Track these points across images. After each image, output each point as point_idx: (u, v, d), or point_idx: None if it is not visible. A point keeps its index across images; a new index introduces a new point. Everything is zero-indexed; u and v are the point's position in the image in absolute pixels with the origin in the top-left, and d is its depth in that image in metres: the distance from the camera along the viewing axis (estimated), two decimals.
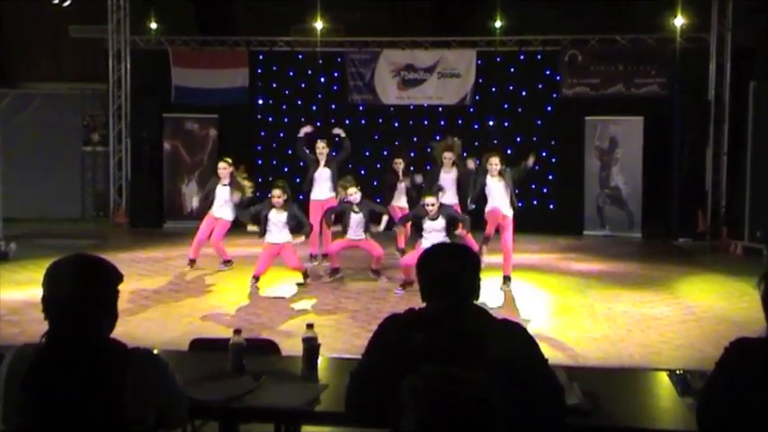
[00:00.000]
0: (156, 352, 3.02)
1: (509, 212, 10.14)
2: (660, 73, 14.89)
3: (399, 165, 12.05)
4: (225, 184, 10.76)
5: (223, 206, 10.77)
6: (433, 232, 9.39)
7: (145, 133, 15.79)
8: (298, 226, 9.98)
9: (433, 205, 9.46)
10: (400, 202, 11.82)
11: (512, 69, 15.39)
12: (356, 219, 10.22)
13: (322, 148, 11.29)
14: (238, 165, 11.04)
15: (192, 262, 10.90)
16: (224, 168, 10.74)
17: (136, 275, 10.39)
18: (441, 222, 9.46)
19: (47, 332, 2.62)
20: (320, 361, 3.67)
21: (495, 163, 10.11)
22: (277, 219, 9.83)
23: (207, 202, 10.92)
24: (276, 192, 9.85)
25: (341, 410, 2.96)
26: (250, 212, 10.22)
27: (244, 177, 10.94)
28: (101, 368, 2.53)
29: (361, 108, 15.83)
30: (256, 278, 9.89)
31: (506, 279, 10.14)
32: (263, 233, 9.91)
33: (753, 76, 13.96)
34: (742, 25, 14.33)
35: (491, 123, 15.53)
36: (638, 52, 15.01)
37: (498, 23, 15.00)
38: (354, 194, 10.23)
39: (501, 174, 10.14)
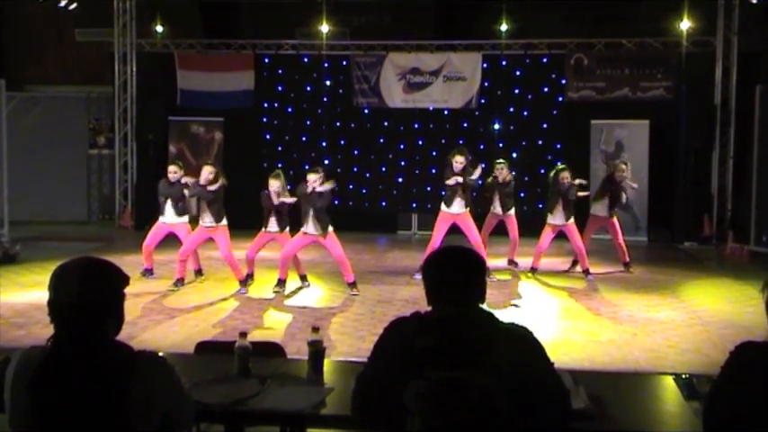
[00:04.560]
0: (161, 355, 3.02)
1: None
2: (666, 77, 14.88)
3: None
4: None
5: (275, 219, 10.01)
6: None
7: (150, 136, 15.83)
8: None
9: (314, 182, 9.56)
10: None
11: (517, 73, 15.41)
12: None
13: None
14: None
15: (249, 277, 10.20)
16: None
17: (142, 278, 10.40)
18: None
19: (53, 335, 2.62)
20: (326, 364, 3.67)
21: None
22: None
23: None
24: (312, 176, 9.68)
25: (346, 414, 2.96)
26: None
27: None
28: (106, 371, 2.53)
29: (366, 111, 15.84)
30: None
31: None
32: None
33: (759, 80, 13.96)
34: (748, 29, 14.31)
35: (497, 127, 15.53)
36: (644, 56, 15.00)
37: (504, 27, 15.02)
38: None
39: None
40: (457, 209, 10.70)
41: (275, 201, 9.82)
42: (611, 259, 12.43)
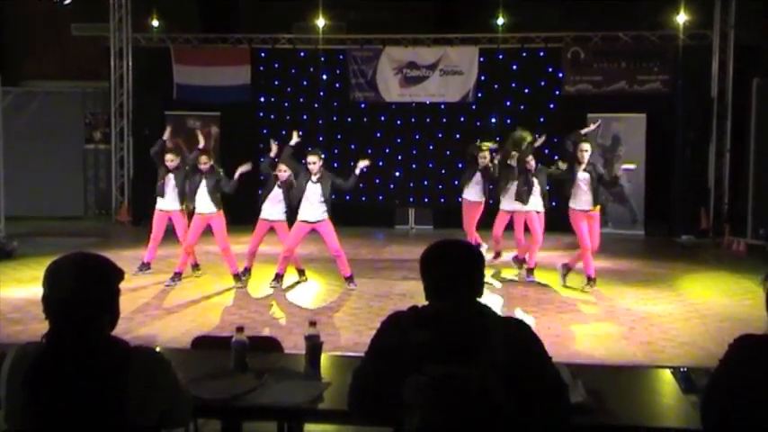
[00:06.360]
0: (158, 350, 3.01)
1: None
2: (663, 70, 14.87)
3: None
4: (279, 185, 9.85)
5: (276, 206, 9.93)
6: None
7: (147, 131, 15.77)
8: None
9: (314, 164, 9.59)
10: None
11: (514, 66, 15.38)
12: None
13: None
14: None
15: (247, 271, 10.15)
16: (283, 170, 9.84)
17: (139, 273, 10.38)
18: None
19: (48, 331, 2.60)
20: (323, 359, 3.66)
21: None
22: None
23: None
24: (312, 158, 9.72)
25: (344, 408, 2.95)
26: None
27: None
28: (102, 367, 2.52)
29: (363, 106, 15.83)
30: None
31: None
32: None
33: (756, 73, 13.95)
34: (745, 22, 14.31)
35: (493, 121, 15.51)
36: (641, 49, 14.99)
37: (500, 20, 15.00)
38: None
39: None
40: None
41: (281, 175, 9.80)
42: (608, 252, 12.44)
